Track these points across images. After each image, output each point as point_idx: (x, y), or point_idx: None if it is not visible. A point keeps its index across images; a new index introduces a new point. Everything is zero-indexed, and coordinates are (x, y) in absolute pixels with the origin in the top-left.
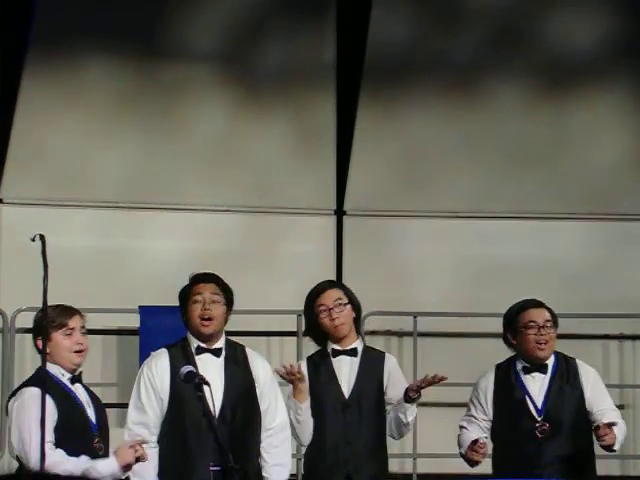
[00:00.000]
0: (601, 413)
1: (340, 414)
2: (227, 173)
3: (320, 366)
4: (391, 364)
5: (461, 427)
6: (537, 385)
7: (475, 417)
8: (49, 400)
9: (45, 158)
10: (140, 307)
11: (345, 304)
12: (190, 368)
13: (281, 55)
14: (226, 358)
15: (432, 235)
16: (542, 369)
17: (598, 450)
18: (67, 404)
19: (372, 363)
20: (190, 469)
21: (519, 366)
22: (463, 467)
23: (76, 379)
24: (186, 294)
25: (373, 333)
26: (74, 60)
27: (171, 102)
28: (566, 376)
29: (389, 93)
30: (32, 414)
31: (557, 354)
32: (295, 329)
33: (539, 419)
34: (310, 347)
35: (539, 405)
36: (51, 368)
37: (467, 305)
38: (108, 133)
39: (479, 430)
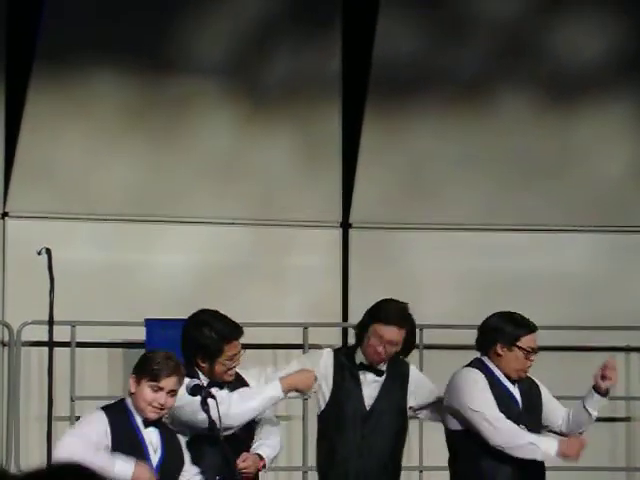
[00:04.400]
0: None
1: (358, 426)
2: (233, 186)
3: (345, 369)
4: (413, 374)
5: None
6: None
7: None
8: (105, 423)
9: (51, 171)
10: (146, 320)
11: (395, 346)
12: (197, 381)
13: (287, 68)
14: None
15: (438, 248)
16: None
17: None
18: (128, 446)
19: (397, 375)
20: None
21: None
22: None
23: (150, 423)
24: (222, 349)
25: None
26: (80, 74)
27: (177, 115)
28: None
29: (395, 106)
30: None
31: None
32: (302, 342)
33: None
34: None
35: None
36: (132, 406)
37: (473, 318)
38: (114, 146)
39: None
